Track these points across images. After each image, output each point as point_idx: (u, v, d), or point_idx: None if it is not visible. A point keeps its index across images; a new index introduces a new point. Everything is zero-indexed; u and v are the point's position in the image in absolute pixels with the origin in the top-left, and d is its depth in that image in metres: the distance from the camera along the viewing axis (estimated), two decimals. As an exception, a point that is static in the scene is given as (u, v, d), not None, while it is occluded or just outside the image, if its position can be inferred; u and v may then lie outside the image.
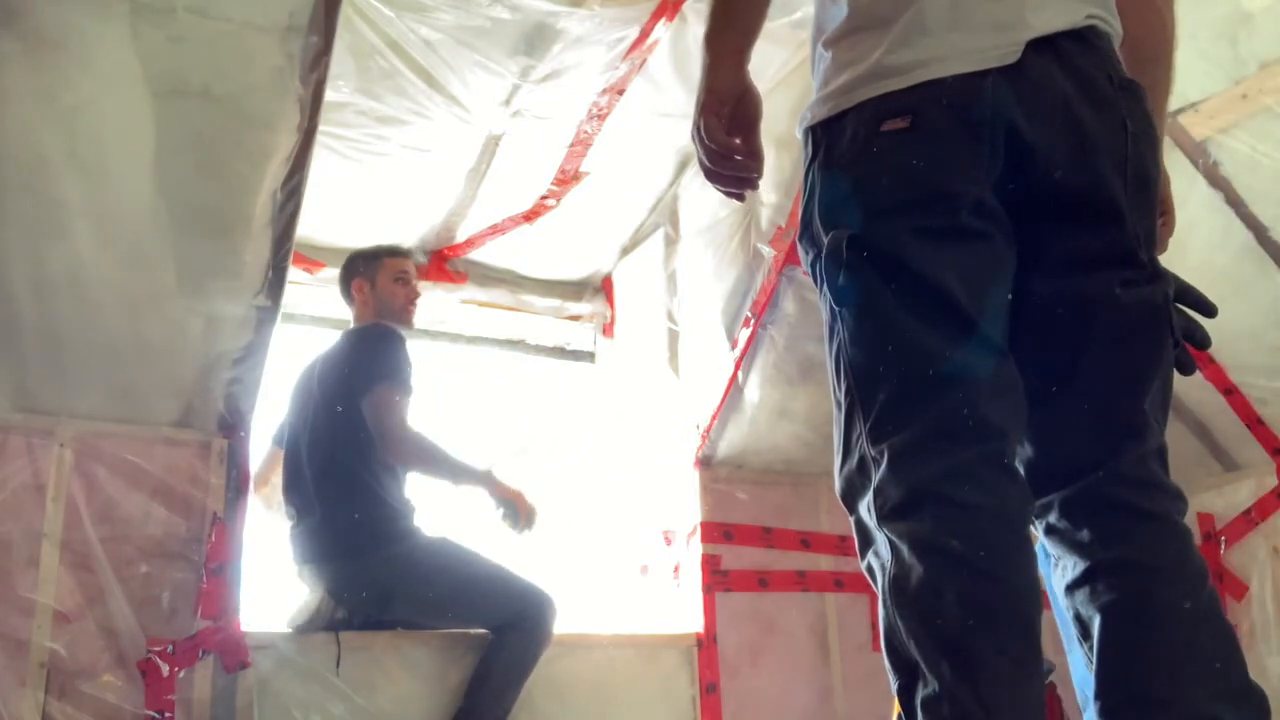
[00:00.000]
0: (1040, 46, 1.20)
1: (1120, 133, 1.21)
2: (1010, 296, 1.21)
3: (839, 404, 1.22)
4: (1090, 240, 1.20)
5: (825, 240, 1.22)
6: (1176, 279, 1.30)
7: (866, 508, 1.16)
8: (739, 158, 1.35)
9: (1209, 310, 1.33)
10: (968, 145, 1.18)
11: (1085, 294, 1.20)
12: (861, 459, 1.17)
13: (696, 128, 1.34)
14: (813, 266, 1.26)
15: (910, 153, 1.19)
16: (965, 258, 1.17)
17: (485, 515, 2.84)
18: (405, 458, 2.79)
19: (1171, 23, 1.42)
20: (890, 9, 1.24)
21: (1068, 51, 1.22)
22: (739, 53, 1.35)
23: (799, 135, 1.32)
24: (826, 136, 1.25)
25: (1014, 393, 1.18)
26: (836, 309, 1.21)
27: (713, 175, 1.38)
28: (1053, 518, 1.20)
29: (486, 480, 2.83)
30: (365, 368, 2.83)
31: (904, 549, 1.10)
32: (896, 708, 1.13)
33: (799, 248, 1.31)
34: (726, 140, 1.34)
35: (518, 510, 2.79)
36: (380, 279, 3.04)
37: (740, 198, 1.45)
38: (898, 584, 1.10)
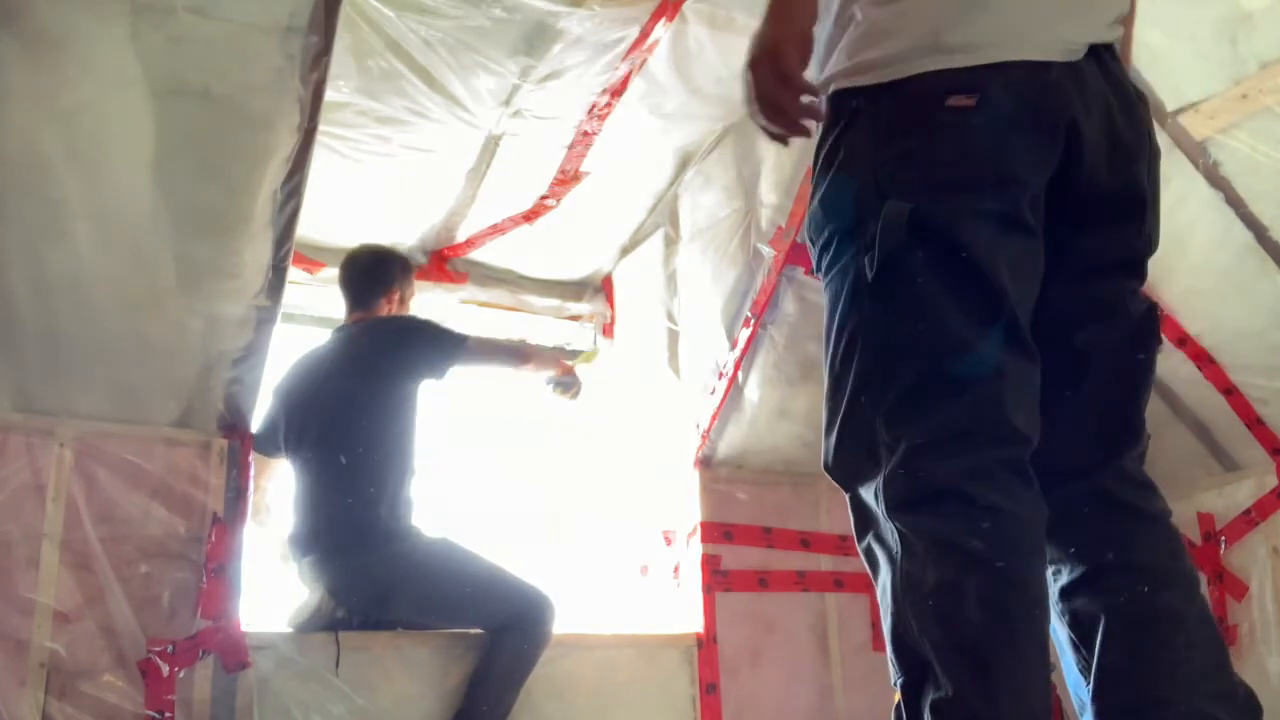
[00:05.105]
0: (1089, 51, 1.21)
1: (1145, 142, 1.24)
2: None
3: (837, 377, 1.18)
4: (1110, 246, 1.21)
5: (882, 209, 1.15)
6: None
7: (874, 493, 1.13)
8: (805, 99, 1.24)
9: None
10: (1034, 135, 1.16)
11: (1100, 301, 1.21)
12: (872, 443, 1.14)
13: (771, 60, 1.22)
14: (838, 236, 1.20)
15: (976, 132, 1.15)
16: (1016, 251, 1.15)
17: (538, 392, 3.29)
18: (517, 359, 3.19)
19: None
20: None
21: (1106, 60, 1.23)
22: None
23: (821, 99, 1.26)
24: (870, 105, 1.20)
25: (1035, 399, 1.16)
26: (871, 281, 1.15)
27: (775, 116, 1.25)
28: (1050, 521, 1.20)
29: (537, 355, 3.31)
30: (430, 349, 2.94)
31: (918, 545, 1.08)
32: (896, 696, 1.12)
33: (806, 219, 1.27)
34: (803, 81, 1.23)
35: (568, 377, 3.20)
36: (408, 295, 3.15)
37: (785, 142, 1.31)
38: (911, 580, 1.08)
